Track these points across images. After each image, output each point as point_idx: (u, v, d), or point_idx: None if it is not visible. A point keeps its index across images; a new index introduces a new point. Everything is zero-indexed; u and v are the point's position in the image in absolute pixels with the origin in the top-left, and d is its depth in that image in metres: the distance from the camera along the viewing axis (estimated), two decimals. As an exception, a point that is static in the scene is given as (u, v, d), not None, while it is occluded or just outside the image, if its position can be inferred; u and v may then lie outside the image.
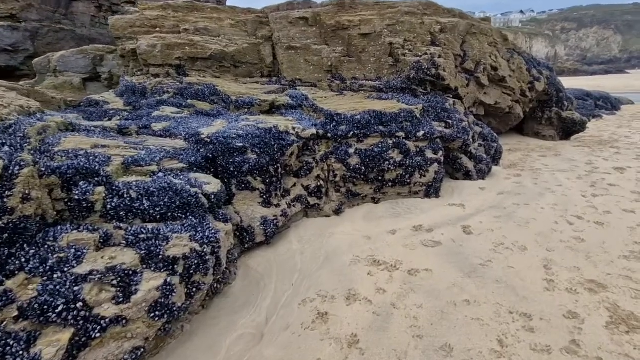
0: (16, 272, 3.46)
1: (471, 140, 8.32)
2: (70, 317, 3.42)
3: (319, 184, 7.11)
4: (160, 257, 4.24)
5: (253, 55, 9.27)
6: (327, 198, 7.36)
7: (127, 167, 4.90)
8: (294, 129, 6.97)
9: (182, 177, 5.41)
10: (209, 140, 6.21)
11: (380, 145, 7.22)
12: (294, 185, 7.01)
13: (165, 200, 4.78)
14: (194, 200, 5.05)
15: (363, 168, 7.06)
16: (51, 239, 3.84)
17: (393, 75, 8.66)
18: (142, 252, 4.16)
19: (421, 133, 7.60)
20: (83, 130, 6.10)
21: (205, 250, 4.65)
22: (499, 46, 10.33)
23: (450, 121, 8.29)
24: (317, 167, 7.19)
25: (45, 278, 3.53)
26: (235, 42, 9.10)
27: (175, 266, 4.28)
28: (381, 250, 5.25)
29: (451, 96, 9.11)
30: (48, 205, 4.07)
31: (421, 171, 7.43)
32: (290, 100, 8.44)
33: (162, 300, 3.95)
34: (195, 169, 5.92)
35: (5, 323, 3.16)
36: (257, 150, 6.30)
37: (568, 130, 12.66)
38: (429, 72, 8.25)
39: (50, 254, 3.70)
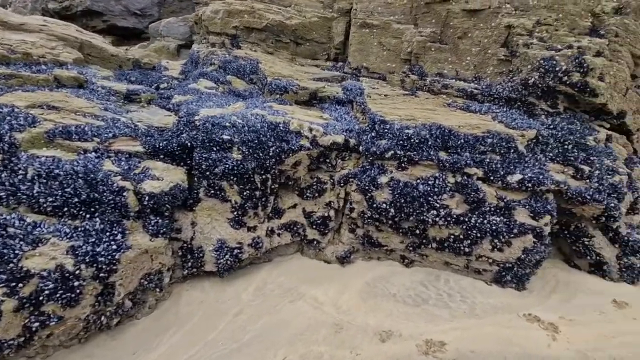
0: None
1: (622, 209, 4.61)
2: None
3: (327, 214, 4.98)
4: (11, 266, 3.12)
5: (321, 32, 7.46)
6: (338, 236, 5.16)
7: (51, 138, 3.96)
8: (310, 130, 4.97)
9: (126, 163, 4.22)
10: (199, 124, 4.87)
11: (430, 182, 4.52)
12: (294, 206, 5.07)
13: (68, 189, 3.63)
14: (111, 197, 3.78)
15: (392, 210, 4.55)
16: None
17: (501, 76, 5.52)
18: (-9, 252, 3.12)
19: (516, 177, 4.48)
20: (90, 90, 5.63)
21: (80, 272, 3.34)
22: None
23: (587, 167, 4.75)
24: (333, 190, 5.03)
25: None
26: (304, 15, 7.46)
27: (22, 284, 3.11)
28: (332, 371, 2.93)
29: (607, 126, 5.33)
30: None
31: (496, 241, 4.39)
32: (342, 93, 6.36)
33: (-33, 330, 2.84)
34: (162, 156, 4.68)
35: None
36: (245, 150, 4.63)
37: None
38: (566, 78, 4.84)
39: None
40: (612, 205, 4.54)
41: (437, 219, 4.43)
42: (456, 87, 5.73)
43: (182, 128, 4.94)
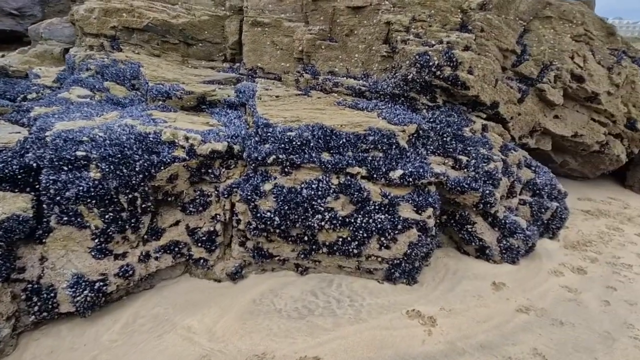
0: None
1: (497, 195, 4.86)
2: None
3: (213, 228, 4.58)
4: None
5: (214, 31, 7.00)
6: (229, 251, 4.79)
7: None
8: (186, 139, 4.52)
9: (-64, 197, 3.44)
10: (49, 140, 4.17)
11: (314, 185, 4.36)
12: (176, 223, 4.60)
13: None
14: None
15: (278, 219, 4.30)
16: None
17: (386, 72, 5.57)
18: None
19: (398, 173, 4.49)
20: None
21: None
22: (594, 43, 6.32)
23: (464, 158, 4.95)
24: (218, 202, 4.66)
25: None
26: (193, 13, 6.93)
27: None
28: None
29: (484, 116, 5.64)
30: None
31: (383, 238, 4.37)
32: (234, 96, 5.99)
33: None
34: (-2, 182, 3.95)
35: None
36: (105, 167, 4.04)
37: None
38: (439, 73, 4.99)
39: None
40: (488, 192, 4.77)
41: (323, 223, 4.28)
42: (346, 85, 5.66)
43: (28, 146, 4.22)
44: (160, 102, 5.64)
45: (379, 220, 4.37)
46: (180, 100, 5.65)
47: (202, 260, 4.57)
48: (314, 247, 4.46)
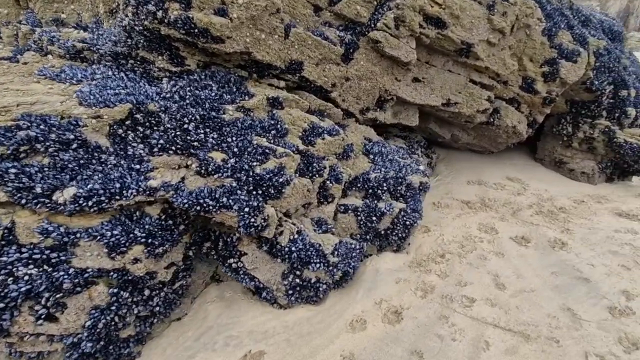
0: None
1: (270, 211, 3.11)
2: None
3: None
4: None
5: None
6: None
7: None
8: None
9: None
10: None
11: None
12: None
13: None
14: None
15: None
16: None
17: (114, 18, 3.52)
18: None
19: (69, 192, 2.66)
20: None
21: None
22: (464, -32, 4.38)
23: (218, 156, 3.12)
24: None
25: None
26: None
27: None
28: None
29: (282, 85, 3.75)
30: None
31: (39, 307, 2.60)
32: None
33: None
34: None
35: None
36: None
37: (624, 165, 6.37)
38: (164, 15, 2.99)
39: None
40: (249, 209, 3.02)
41: None
42: (61, 42, 3.58)
43: None
44: None
45: (28, 278, 2.57)
46: None
47: None
48: None
